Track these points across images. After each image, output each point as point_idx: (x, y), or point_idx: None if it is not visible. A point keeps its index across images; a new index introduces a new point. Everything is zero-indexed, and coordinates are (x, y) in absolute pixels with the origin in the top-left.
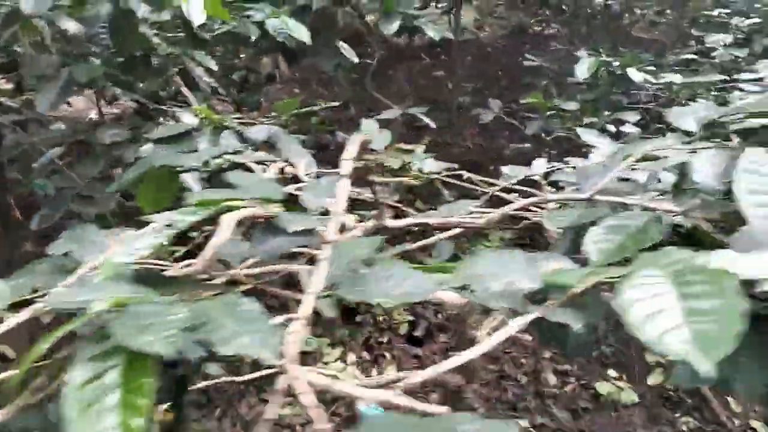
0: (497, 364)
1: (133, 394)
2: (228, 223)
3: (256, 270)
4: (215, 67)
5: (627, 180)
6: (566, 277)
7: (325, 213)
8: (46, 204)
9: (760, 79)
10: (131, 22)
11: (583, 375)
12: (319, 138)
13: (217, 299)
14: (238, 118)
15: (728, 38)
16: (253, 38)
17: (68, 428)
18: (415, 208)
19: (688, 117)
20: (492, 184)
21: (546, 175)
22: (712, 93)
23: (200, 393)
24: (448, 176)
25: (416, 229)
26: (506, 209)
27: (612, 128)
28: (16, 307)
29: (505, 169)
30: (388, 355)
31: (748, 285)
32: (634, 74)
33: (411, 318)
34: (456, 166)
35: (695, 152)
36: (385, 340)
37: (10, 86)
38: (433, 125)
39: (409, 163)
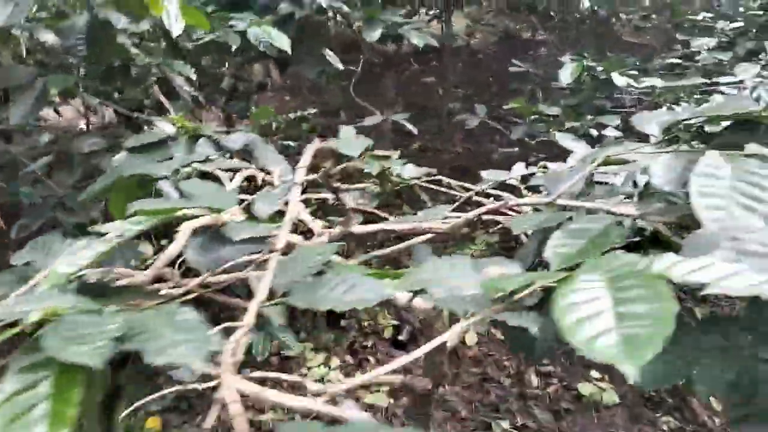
0: (480, 366)
1: (62, 405)
2: (184, 232)
3: (214, 278)
4: (194, 77)
5: (605, 183)
6: (503, 282)
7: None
8: (26, 213)
9: (740, 82)
10: (108, 32)
11: (565, 376)
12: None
13: (156, 309)
14: (227, 126)
15: (712, 42)
16: (234, 47)
17: None
18: (401, 213)
19: (651, 122)
20: (468, 189)
21: (524, 179)
22: (695, 96)
23: (181, 399)
24: (428, 181)
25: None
26: (470, 215)
27: (595, 132)
28: None
29: (484, 174)
30: (372, 359)
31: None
32: (618, 79)
33: (396, 322)
34: (435, 171)
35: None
36: (369, 344)
37: None
38: (415, 131)
39: (389, 168)
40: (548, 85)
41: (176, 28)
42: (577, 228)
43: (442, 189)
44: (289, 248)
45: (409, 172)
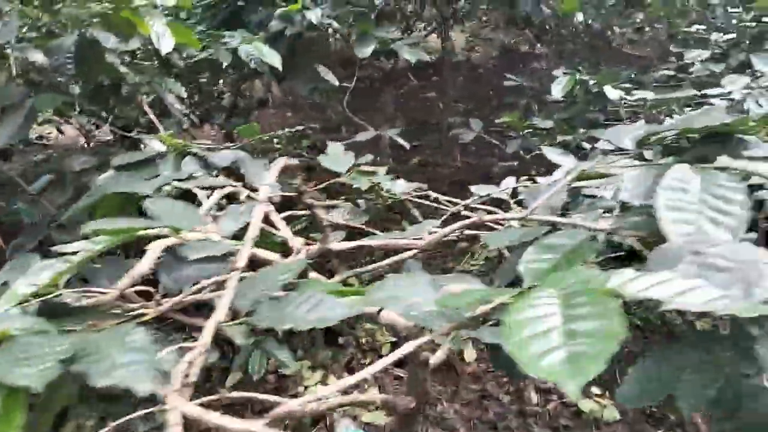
0: (479, 383)
1: (5, 427)
2: (153, 251)
3: (177, 299)
4: (185, 94)
5: (593, 197)
6: (455, 299)
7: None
8: (22, 232)
9: (729, 94)
10: (96, 51)
11: (565, 393)
12: (309, 160)
13: (109, 330)
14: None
15: (705, 53)
16: (225, 64)
17: None
18: (401, 228)
19: (625, 135)
20: (455, 204)
21: (514, 193)
22: (686, 109)
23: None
24: (417, 196)
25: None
26: (445, 230)
27: (588, 145)
28: None
29: (474, 189)
30: (369, 377)
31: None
32: (610, 92)
33: (394, 339)
34: (425, 186)
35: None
36: (367, 361)
37: None
38: (407, 146)
39: (378, 184)
40: (544, 99)
41: (165, 46)
42: (550, 243)
43: (433, 204)
44: (263, 265)
45: (399, 187)
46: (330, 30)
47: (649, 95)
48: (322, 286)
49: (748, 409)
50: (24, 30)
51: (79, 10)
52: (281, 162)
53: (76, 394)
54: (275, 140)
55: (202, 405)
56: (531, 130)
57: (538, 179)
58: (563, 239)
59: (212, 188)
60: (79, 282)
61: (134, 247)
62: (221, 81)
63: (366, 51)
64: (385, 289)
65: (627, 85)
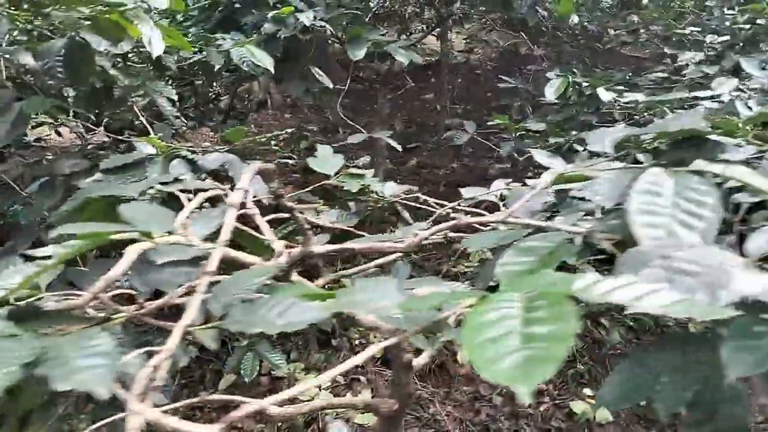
0: (472, 385)
1: None
2: (129, 255)
3: (160, 302)
4: (175, 97)
5: (581, 199)
6: (417, 303)
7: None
8: (16, 234)
9: (718, 96)
10: (86, 54)
11: (558, 394)
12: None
13: (74, 334)
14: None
15: (699, 56)
16: (218, 67)
17: None
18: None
19: (604, 138)
20: (442, 206)
21: (503, 196)
22: (677, 111)
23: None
24: (405, 199)
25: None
26: (425, 233)
27: (580, 148)
28: None
29: (463, 191)
30: (363, 378)
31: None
32: (603, 94)
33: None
34: (416, 188)
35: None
36: (360, 363)
37: None
38: (399, 148)
39: (368, 186)
40: (538, 101)
41: (156, 49)
42: (528, 246)
43: (423, 206)
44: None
45: (389, 189)
46: (327, 32)
47: (640, 97)
48: (295, 289)
49: (726, 413)
50: (15, 33)
51: (68, 13)
52: (254, 166)
53: (39, 397)
54: (272, 142)
55: (194, 407)
56: (524, 132)
57: (529, 182)
58: (540, 242)
59: (197, 192)
60: (66, 285)
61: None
62: (216, 83)
63: (358, 53)
64: (352, 294)
65: (620, 87)
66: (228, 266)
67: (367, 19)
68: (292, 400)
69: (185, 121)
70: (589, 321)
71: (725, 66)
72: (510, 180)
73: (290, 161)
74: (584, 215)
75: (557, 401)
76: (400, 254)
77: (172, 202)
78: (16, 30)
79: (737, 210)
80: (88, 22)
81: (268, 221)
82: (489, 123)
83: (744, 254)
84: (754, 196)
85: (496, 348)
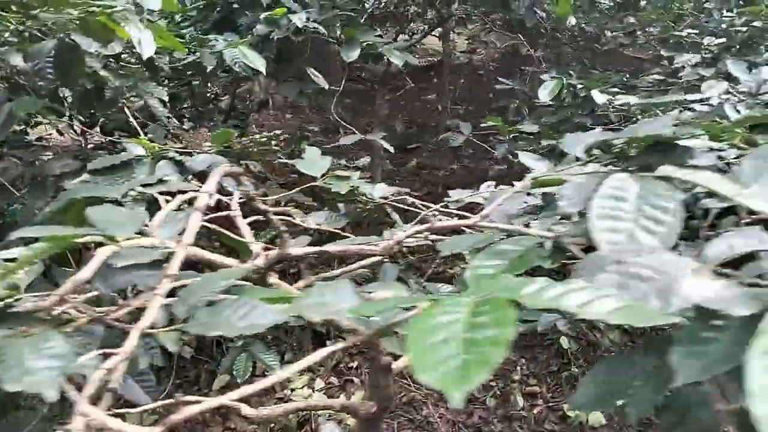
0: None
1: None
2: (98, 257)
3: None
4: (166, 98)
5: None
6: (365, 308)
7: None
8: (8, 234)
9: (707, 99)
10: (76, 55)
11: (552, 397)
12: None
13: (32, 336)
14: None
15: (696, 58)
16: (210, 68)
17: None
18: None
19: (577, 143)
20: (428, 207)
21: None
22: (669, 113)
23: (159, 419)
24: (396, 200)
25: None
26: (400, 236)
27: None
28: None
29: (451, 193)
30: (356, 380)
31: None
32: (598, 96)
33: None
34: (407, 190)
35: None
36: (354, 365)
37: None
38: (391, 150)
39: (357, 188)
40: (535, 103)
41: (146, 51)
42: (499, 250)
43: (412, 209)
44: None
45: (379, 191)
46: (322, 33)
47: (633, 100)
48: (260, 292)
49: (696, 418)
50: (6, 35)
51: (56, 15)
52: (221, 169)
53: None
54: (273, 142)
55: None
56: (517, 134)
57: (518, 184)
58: (511, 246)
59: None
60: (54, 285)
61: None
62: (212, 84)
63: (352, 55)
64: (311, 297)
65: (616, 90)
66: (207, 268)
67: (363, 21)
68: (282, 398)
69: (180, 122)
70: (584, 324)
71: (721, 69)
72: (493, 183)
73: (290, 162)
74: (560, 219)
75: (551, 404)
76: (383, 256)
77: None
78: (7, 31)
79: (706, 215)
80: (78, 24)
81: (256, 222)
82: (482, 125)
83: (704, 260)
84: (723, 202)
85: (436, 352)
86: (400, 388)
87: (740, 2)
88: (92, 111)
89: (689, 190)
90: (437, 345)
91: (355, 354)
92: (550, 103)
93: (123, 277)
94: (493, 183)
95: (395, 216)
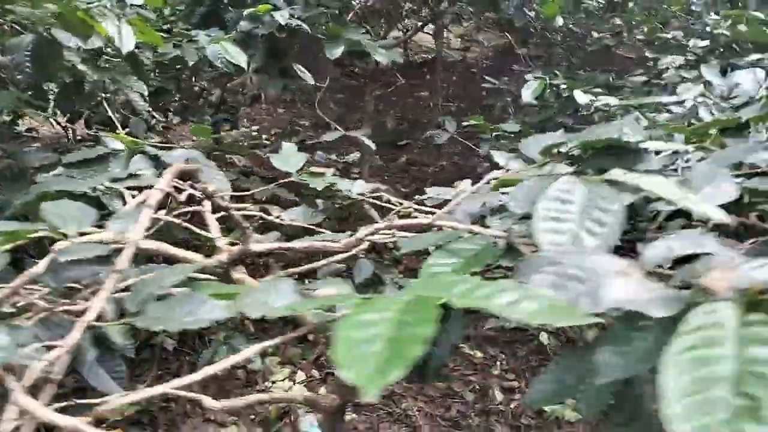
0: (446, 381)
1: None
2: (53, 252)
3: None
4: (146, 92)
5: None
6: (298, 305)
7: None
8: None
9: (682, 102)
10: (54, 49)
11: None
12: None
13: None
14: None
15: (680, 60)
16: (191, 63)
17: None
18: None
19: (533, 145)
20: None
21: None
22: (648, 114)
23: (143, 412)
24: (372, 197)
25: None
26: (361, 233)
27: None
28: None
29: (428, 191)
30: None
31: None
32: (580, 96)
33: None
34: (384, 187)
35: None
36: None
37: None
38: (374, 147)
39: (334, 184)
40: (520, 102)
41: (126, 45)
42: (454, 248)
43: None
44: (181, 263)
45: (357, 187)
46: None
47: (613, 101)
48: (212, 288)
49: (644, 414)
50: None
51: (33, 9)
52: (177, 166)
53: None
54: (264, 136)
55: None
56: (499, 133)
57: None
58: (467, 245)
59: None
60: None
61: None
62: (199, 78)
63: (335, 52)
64: (253, 294)
65: (599, 90)
66: (171, 262)
67: (350, 18)
68: (262, 390)
69: (165, 116)
70: None
71: None
72: (469, 180)
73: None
74: (520, 219)
75: None
76: (346, 252)
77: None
78: None
79: (655, 217)
80: (57, 19)
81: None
82: (464, 124)
83: (642, 261)
84: (671, 205)
85: (360, 349)
86: None
87: (727, 5)
88: (69, 105)
89: (640, 194)
90: (361, 342)
91: None
92: (534, 102)
93: (72, 271)
94: (470, 181)
95: (373, 213)
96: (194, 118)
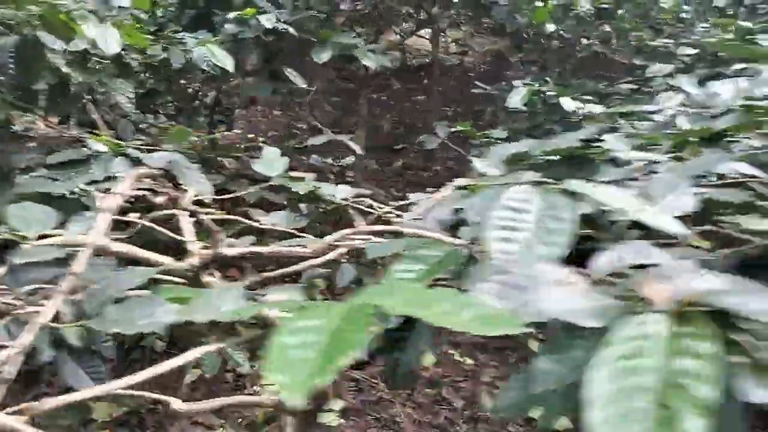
0: (436, 387)
1: None
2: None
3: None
4: (132, 94)
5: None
6: (247, 311)
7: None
8: None
9: (662, 111)
10: (37, 51)
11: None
12: (294, 162)
13: None
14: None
15: (668, 68)
16: (177, 65)
17: None
18: None
19: (499, 154)
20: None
21: None
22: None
23: (131, 413)
24: (355, 202)
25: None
26: (329, 239)
27: None
28: None
29: (411, 196)
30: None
31: None
32: (567, 103)
33: None
34: (367, 192)
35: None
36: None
37: None
38: (360, 151)
39: (318, 188)
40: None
41: (110, 48)
42: (420, 255)
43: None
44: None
45: (342, 192)
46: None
47: (597, 109)
48: (172, 291)
49: None
50: None
51: (15, 11)
52: (135, 172)
53: None
54: (261, 139)
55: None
56: (487, 139)
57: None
58: (431, 251)
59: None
60: None
61: None
62: (191, 80)
63: (323, 56)
64: (204, 298)
65: (587, 97)
66: (142, 266)
67: (342, 22)
68: (252, 394)
69: (155, 118)
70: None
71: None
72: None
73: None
74: None
75: None
76: (316, 257)
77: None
78: None
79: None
80: (40, 21)
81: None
82: (481, 126)
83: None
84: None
85: (291, 355)
86: (369, 387)
87: (717, 14)
88: (55, 107)
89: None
90: (295, 348)
91: None
92: (524, 108)
93: (31, 274)
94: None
95: (357, 217)
96: (187, 120)
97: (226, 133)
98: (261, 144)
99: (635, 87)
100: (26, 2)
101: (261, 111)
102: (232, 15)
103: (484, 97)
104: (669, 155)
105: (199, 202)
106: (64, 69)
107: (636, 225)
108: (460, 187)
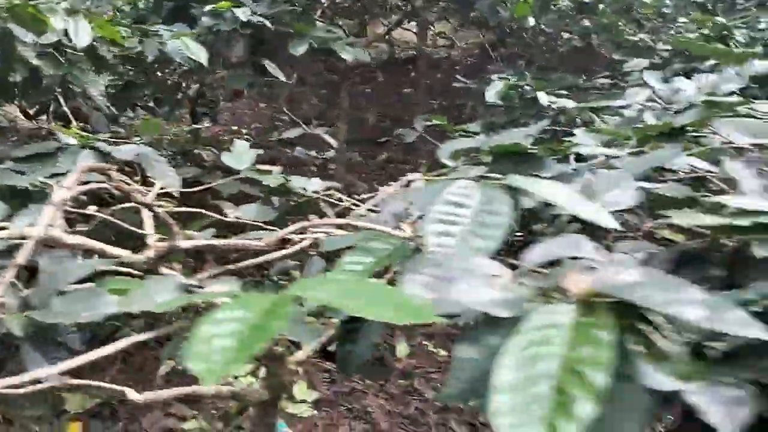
0: (408, 379)
1: None
2: None
3: None
4: (103, 87)
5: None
6: (175, 302)
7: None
8: None
9: (629, 106)
10: (7, 44)
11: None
12: (278, 154)
13: None
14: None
15: (644, 63)
16: (151, 58)
17: None
18: None
19: (447, 149)
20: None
21: None
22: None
23: (104, 405)
24: (326, 194)
25: None
26: (282, 232)
27: None
28: None
29: (381, 189)
30: (300, 370)
31: None
32: (543, 98)
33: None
34: (337, 185)
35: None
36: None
37: None
38: (335, 144)
39: (288, 181)
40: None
41: (81, 41)
42: (369, 247)
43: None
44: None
45: (313, 185)
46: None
47: (570, 104)
48: (114, 283)
49: None
50: None
51: None
52: (85, 164)
53: None
54: (244, 131)
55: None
56: (463, 132)
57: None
58: (381, 244)
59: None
60: None
61: None
62: (171, 72)
63: (300, 50)
64: (141, 289)
65: (564, 91)
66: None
67: (318, 15)
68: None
69: (133, 110)
70: None
71: (666, 75)
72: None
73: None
74: None
75: None
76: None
77: None
78: None
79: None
80: (8, 14)
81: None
82: (466, 119)
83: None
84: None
85: (211, 344)
86: (342, 379)
87: (697, 10)
88: (30, 99)
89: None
90: (216, 337)
91: (298, 343)
92: (500, 102)
93: None
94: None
95: (328, 211)
96: (168, 112)
97: (208, 125)
98: (246, 137)
99: (613, 82)
100: None
101: (246, 103)
102: (207, 8)
103: (465, 91)
104: (635, 150)
105: (167, 194)
106: (34, 61)
107: (576, 219)
108: (410, 181)
